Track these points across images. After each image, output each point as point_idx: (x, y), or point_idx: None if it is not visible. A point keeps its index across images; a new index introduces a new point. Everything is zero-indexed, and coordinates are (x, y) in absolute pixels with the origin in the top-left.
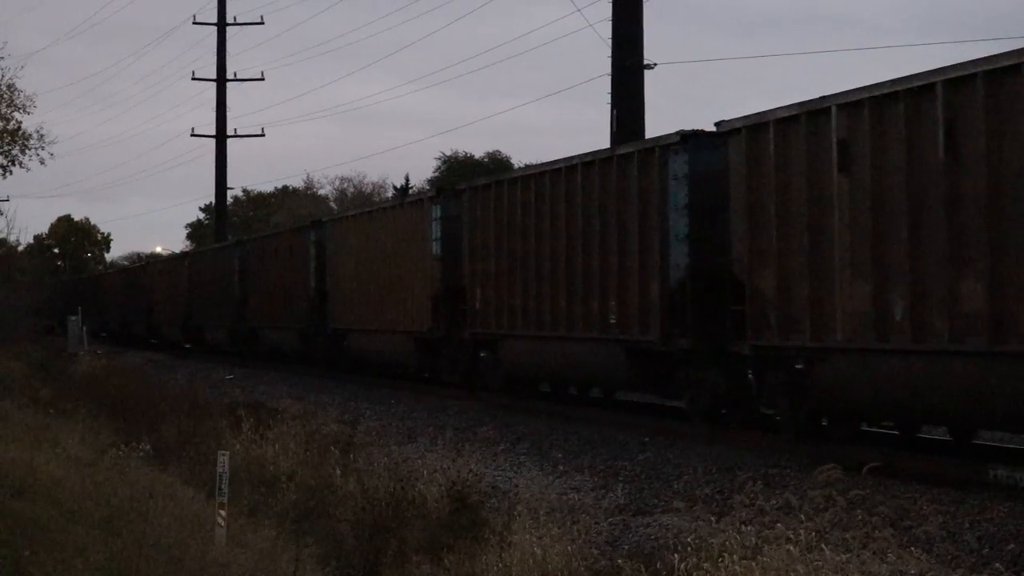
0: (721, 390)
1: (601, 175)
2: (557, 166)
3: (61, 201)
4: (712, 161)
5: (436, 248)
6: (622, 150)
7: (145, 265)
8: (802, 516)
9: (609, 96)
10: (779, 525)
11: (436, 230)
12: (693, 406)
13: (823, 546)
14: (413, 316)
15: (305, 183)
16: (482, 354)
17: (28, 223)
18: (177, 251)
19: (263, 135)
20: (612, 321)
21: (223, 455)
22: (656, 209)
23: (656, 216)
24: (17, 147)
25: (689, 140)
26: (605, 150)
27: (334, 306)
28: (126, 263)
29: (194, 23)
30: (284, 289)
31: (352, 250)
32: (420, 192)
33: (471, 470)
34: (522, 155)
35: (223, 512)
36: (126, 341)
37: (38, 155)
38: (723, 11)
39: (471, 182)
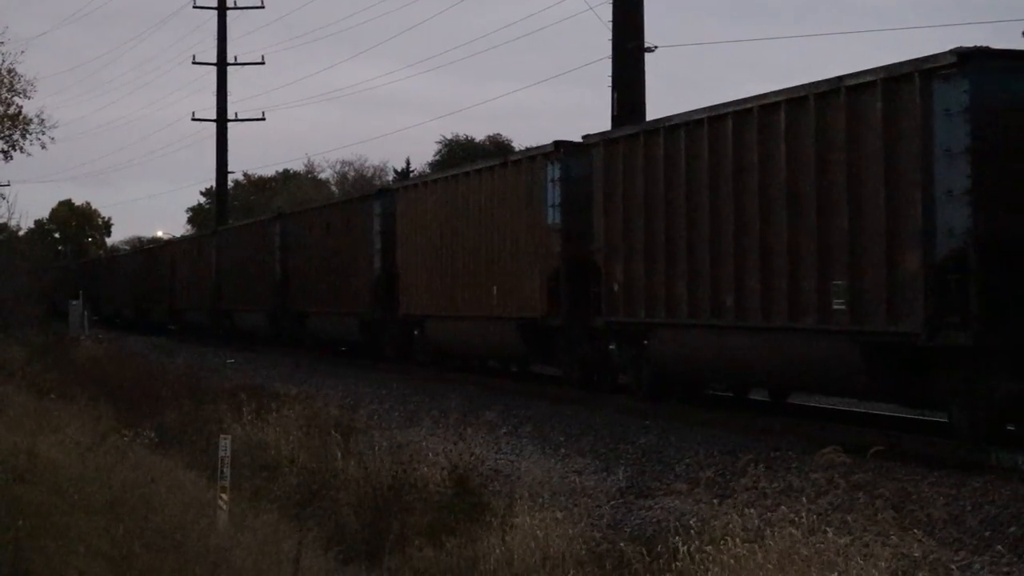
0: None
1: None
2: (748, 105)
3: (61, 186)
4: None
5: (554, 216)
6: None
7: (165, 244)
8: (803, 499)
9: (610, 79)
10: (782, 508)
11: (554, 194)
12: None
13: (825, 529)
14: (520, 300)
15: (306, 167)
16: (612, 346)
17: (28, 208)
18: (178, 235)
19: (264, 119)
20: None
21: (224, 439)
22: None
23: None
24: (18, 132)
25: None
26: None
27: (406, 289)
28: (127, 247)
29: (194, 7)
30: (338, 269)
31: (431, 222)
32: (530, 149)
33: (473, 453)
34: (523, 139)
35: (225, 496)
36: (143, 329)
37: (39, 140)
38: None
39: (607, 133)
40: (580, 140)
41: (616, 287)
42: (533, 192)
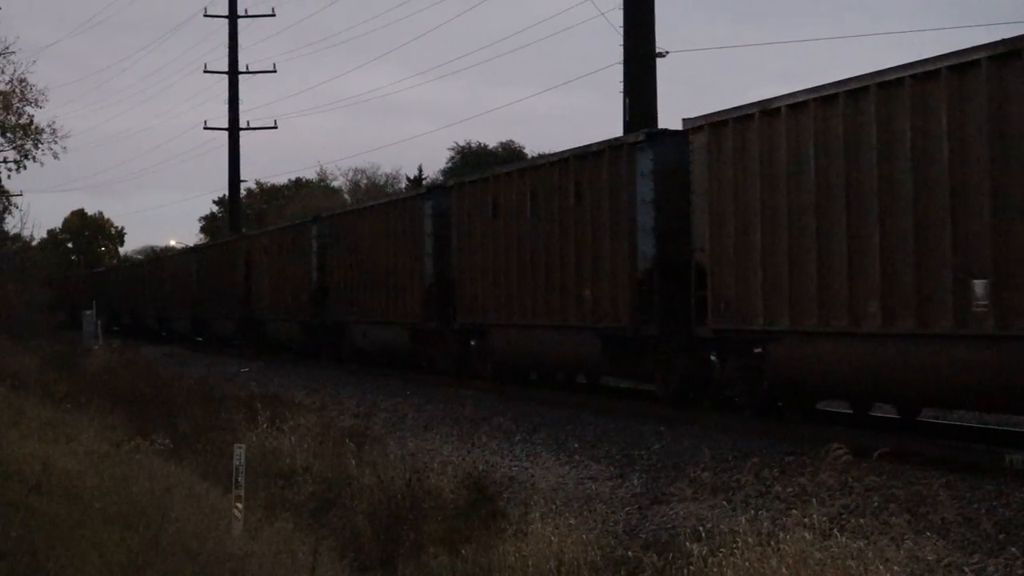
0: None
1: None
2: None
3: (73, 196)
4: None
5: (644, 216)
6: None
7: (191, 250)
8: (815, 502)
9: (621, 84)
10: (794, 512)
11: (646, 186)
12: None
13: (837, 532)
14: (601, 308)
15: (318, 175)
16: (712, 357)
17: (41, 218)
18: (191, 244)
19: (276, 127)
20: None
21: (239, 448)
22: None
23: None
24: (30, 141)
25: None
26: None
27: (463, 296)
28: (140, 256)
29: (205, 16)
30: (384, 276)
31: (487, 224)
32: (617, 137)
33: (487, 460)
34: (535, 145)
35: (239, 505)
36: (165, 339)
37: (51, 149)
38: None
39: (712, 116)
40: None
41: (732, 292)
42: (618, 183)
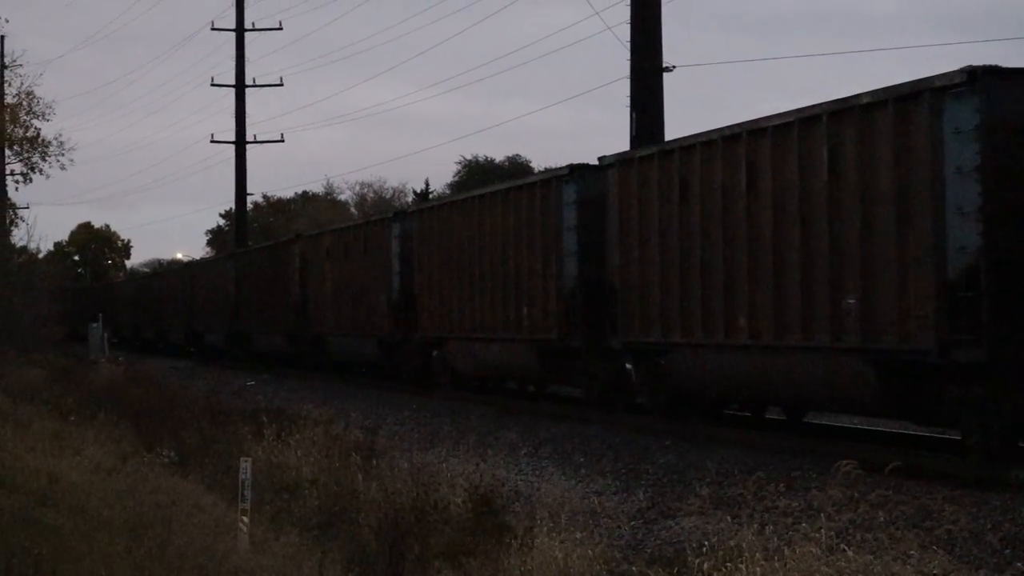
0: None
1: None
2: None
3: (80, 208)
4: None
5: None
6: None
7: (229, 256)
8: (822, 516)
9: (628, 99)
10: (803, 525)
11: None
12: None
13: (844, 547)
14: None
15: (325, 188)
16: (628, 366)
17: (48, 231)
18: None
19: (282, 141)
20: None
21: (245, 461)
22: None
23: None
24: (37, 154)
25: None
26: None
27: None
28: (147, 269)
29: (212, 29)
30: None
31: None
32: (547, 171)
33: (493, 475)
34: (541, 159)
35: (245, 518)
36: (201, 358)
37: (58, 162)
38: (741, 12)
39: (623, 154)
40: (595, 163)
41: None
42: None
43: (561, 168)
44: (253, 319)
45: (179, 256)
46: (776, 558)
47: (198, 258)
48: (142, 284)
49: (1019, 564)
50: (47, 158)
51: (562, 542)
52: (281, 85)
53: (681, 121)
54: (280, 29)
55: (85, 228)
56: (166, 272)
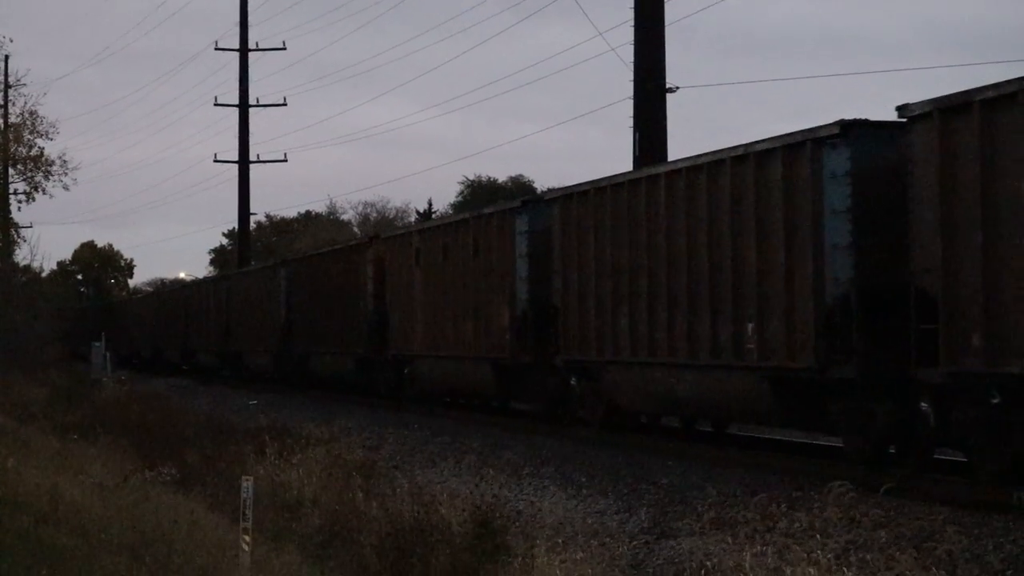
0: None
1: None
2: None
3: (83, 228)
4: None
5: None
6: None
7: (278, 264)
8: (819, 536)
9: (631, 120)
10: (803, 545)
11: (522, 243)
12: None
13: (844, 569)
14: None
15: (328, 208)
16: (572, 381)
17: (50, 250)
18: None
19: (286, 160)
20: None
21: (247, 481)
22: None
23: None
24: (40, 173)
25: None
26: None
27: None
28: (151, 287)
29: (216, 49)
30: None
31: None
32: (493, 204)
33: (494, 494)
34: (544, 179)
35: (247, 537)
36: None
37: (61, 181)
38: (746, 34)
39: (565, 189)
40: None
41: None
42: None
43: (514, 201)
44: (414, 341)
45: (182, 275)
46: None
47: (216, 275)
48: (192, 292)
49: None
50: (50, 177)
51: (563, 561)
52: (284, 105)
53: (684, 142)
54: (283, 49)
55: (88, 247)
56: (234, 276)
